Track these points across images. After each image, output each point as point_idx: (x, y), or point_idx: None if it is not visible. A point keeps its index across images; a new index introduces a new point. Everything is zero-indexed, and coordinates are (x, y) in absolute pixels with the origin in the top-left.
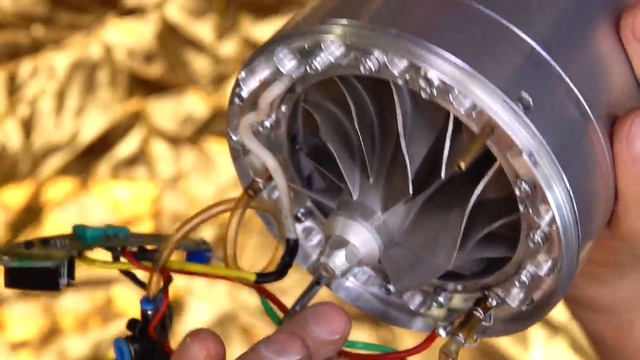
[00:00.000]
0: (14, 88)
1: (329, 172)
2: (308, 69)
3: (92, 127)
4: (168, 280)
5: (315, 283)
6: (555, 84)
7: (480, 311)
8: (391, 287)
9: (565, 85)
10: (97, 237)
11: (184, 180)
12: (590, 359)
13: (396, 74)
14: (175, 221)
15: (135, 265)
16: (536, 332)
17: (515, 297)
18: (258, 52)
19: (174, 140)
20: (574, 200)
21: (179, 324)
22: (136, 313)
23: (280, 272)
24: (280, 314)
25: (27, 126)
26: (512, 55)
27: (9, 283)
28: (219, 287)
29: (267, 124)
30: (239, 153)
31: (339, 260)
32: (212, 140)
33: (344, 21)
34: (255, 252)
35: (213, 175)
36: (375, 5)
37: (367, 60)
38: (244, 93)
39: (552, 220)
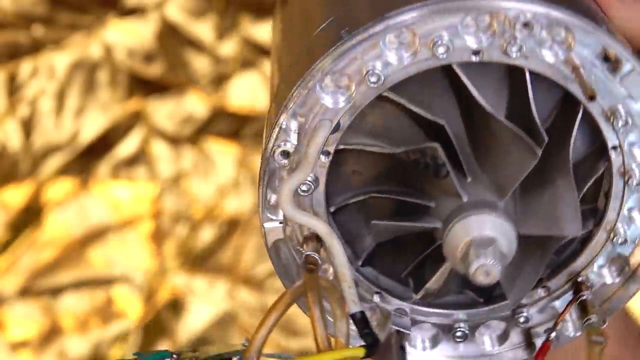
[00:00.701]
0: (14, 88)
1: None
2: (369, 82)
3: (92, 127)
4: None
5: (401, 349)
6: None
7: (587, 293)
8: (464, 328)
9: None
10: None
11: (184, 180)
12: None
13: (474, 40)
14: (176, 221)
15: None
16: None
17: (612, 270)
18: (298, 90)
19: (174, 140)
20: None
21: (179, 324)
22: (136, 313)
23: (375, 342)
24: None
25: (27, 126)
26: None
27: None
28: (219, 287)
29: (306, 186)
30: (282, 244)
31: (492, 257)
32: (212, 140)
33: (409, 7)
34: (256, 253)
35: (213, 175)
36: None
37: (440, 41)
38: (289, 146)
39: None
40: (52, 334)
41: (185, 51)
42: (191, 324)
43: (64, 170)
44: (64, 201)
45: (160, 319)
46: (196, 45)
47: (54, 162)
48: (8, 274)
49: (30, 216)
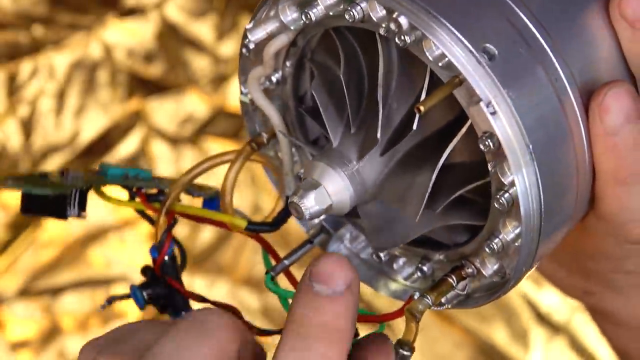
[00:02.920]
0: (14, 88)
1: (321, 125)
2: (304, 18)
3: (92, 127)
4: (172, 223)
5: (308, 242)
6: (531, 49)
7: (454, 278)
8: (382, 255)
9: (544, 55)
10: (117, 176)
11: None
12: (590, 359)
13: (376, 21)
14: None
15: (145, 205)
16: (536, 332)
17: (489, 266)
18: (262, 2)
19: (174, 140)
20: (535, 161)
21: None
22: (136, 313)
23: (274, 224)
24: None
25: (27, 126)
26: (491, 14)
27: (22, 209)
28: (219, 287)
29: (274, 79)
30: (248, 108)
31: (309, 201)
32: (212, 140)
33: None
34: (256, 253)
35: (213, 176)
36: None
37: (354, 9)
38: (251, 44)
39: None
40: (52, 334)
41: (185, 51)
42: None
43: None
44: None
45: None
46: (196, 45)
47: (54, 162)
48: (8, 274)
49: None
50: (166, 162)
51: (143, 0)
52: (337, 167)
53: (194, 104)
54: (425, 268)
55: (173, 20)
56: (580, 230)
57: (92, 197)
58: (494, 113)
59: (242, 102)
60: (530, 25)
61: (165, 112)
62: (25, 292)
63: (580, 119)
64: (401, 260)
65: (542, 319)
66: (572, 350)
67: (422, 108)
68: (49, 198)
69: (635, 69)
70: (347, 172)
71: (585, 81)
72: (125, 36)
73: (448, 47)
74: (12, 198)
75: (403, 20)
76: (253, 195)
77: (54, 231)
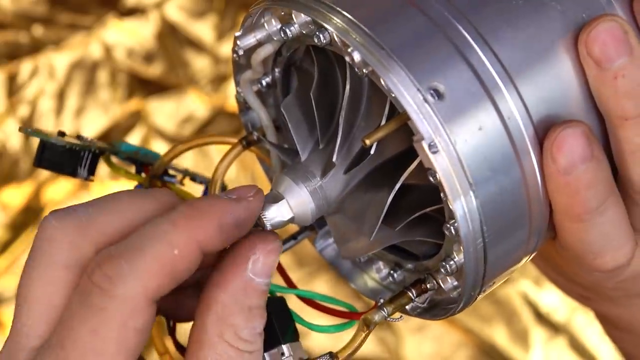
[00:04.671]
0: (14, 88)
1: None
2: (282, 34)
3: (92, 127)
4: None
5: (292, 237)
6: (484, 86)
7: (413, 292)
8: (362, 258)
9: (497, 92)
10: (129, 150)
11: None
12: (590, 359)
13: (341, 48)
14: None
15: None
16: (536, 332)
17: (449, 283)
18: (251, 11)
19: (174, 140)
20: (477, 198)
21: (179, 324)
22: None
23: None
24: None
25: (27, 126)
26: (445, 50)
27: (37, 159)
28: None
29: (264, 82)
30: (243, 107)
31: (270, 213)
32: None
33: None
34: None
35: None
36: None
37: (322, 33)
38: (240, 50)
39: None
40: None
41: (185, 51)
42: (191, 324)
43: None
44: (64, 201)
45: (160, 319)
46: (196, 45)
47: None
48: (8, 274)
49: (30, 216)
50: None
51: (143, 0)
52: (300, 182)
53: (194, 104)
54: (396, 275)
55: (173, 20)
56: (556, 252)
57: (92, 197)
58: (435, 152)
59: (237, 101)
60: (486, 62)
61: (165, 112)
62: None
63: (533, 156)
64: (379, 263)
65: (542, 319)
66: (572, 350)
67: (367, 142)
68: (62, 153)
69: (602, 107)
70: (309, 188)
71: (544, 118)
72: (125, 36)
73: (395, 84)
74: (12, 198)
75: (356, 55)
76: None
77: None
